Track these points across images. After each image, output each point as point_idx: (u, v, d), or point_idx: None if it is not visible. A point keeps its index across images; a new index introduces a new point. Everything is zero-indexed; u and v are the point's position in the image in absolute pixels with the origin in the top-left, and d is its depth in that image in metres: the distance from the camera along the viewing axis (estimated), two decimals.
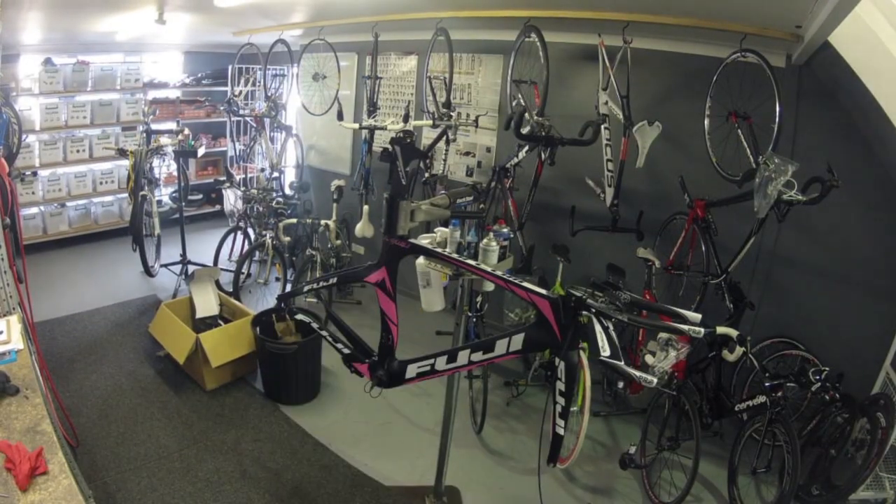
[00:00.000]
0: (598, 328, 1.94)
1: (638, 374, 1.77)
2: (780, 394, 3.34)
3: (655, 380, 1.76)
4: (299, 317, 3.40)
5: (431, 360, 2.43)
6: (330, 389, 4.81)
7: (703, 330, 1.85)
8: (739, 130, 3.83)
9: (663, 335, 3.35)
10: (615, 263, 4.45)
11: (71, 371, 4.71)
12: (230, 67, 7.86)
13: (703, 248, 4.04)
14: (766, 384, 3.38)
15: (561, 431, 2.07)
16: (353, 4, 5.36)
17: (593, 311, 1.97)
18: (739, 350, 3.20)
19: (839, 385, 3.55)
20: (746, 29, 3.68)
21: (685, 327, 1.90)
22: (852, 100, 3.73)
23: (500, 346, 2.18)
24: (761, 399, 3.40)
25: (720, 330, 3.22)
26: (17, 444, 1.92)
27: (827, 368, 3.46)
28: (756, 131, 3.72)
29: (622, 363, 1.84)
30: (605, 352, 1.86)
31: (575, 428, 3.77)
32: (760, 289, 4.29)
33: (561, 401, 2.04)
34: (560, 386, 2.03)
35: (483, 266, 2.46)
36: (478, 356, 2.27)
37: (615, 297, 1.97)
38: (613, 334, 1.93)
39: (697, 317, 1.94)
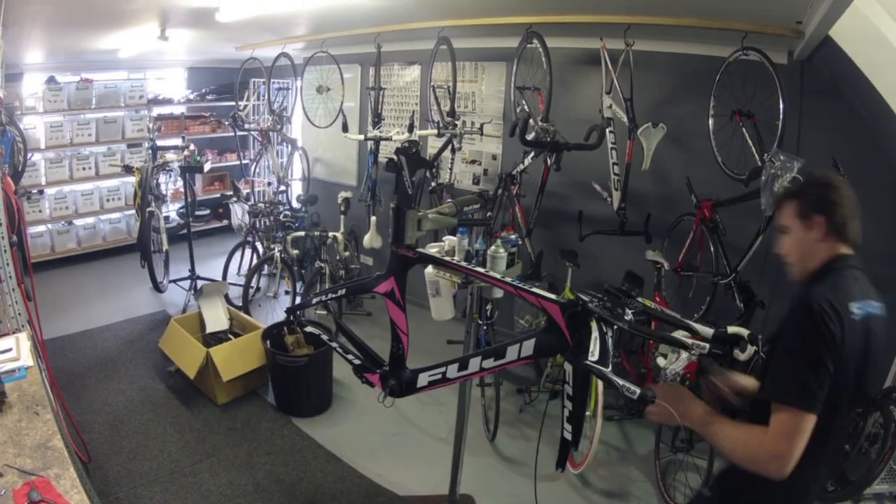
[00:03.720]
0: (594, 333, 1.93)
1: (621, 382, 1.76)
2: None
3: (638, 391, 1.75)
4: (308, 329, 3.40)
5: (443, 369, 2.42)
6: (342, 401, 4.80)
7: (707, 345, 1.86)
8: (744, 129, 3.82)
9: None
10: (634, 271, 4.43)
11: (82, 387, 4.72)
12: (234, 82, 7.90)
13: (712, 249, 4.03)
14: None
15: (568, 436, 2.06)
16: (355, 16, 5.37)
17: (595, 315, 1.97)
18: (751, 349, 3.16)
19: None
20: (747, 27, 3.67)
21: (689, 341, 1.90)
22: (855, 93, 3.72)
23: (512, 352, 2.18)
24: None
25: (731, 330, 3.20)
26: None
27: None
28: (760, 129, 3.71)
29: (608, 370, 1.83)
30: (593, 357, 1.86)
31: (588, 433, 3.75)
32: (770, 287, 4.26)
33: (569, 405, 2.03)
34: (568, 390, 2.03)
35: (492, 273, 2.45)
36: (489, 363, 2.26)
37: (626, 304, 1.96)
38: (609, 341, 1.93)
39: (709, 331, 1.95)
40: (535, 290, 2.20)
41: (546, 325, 2.15)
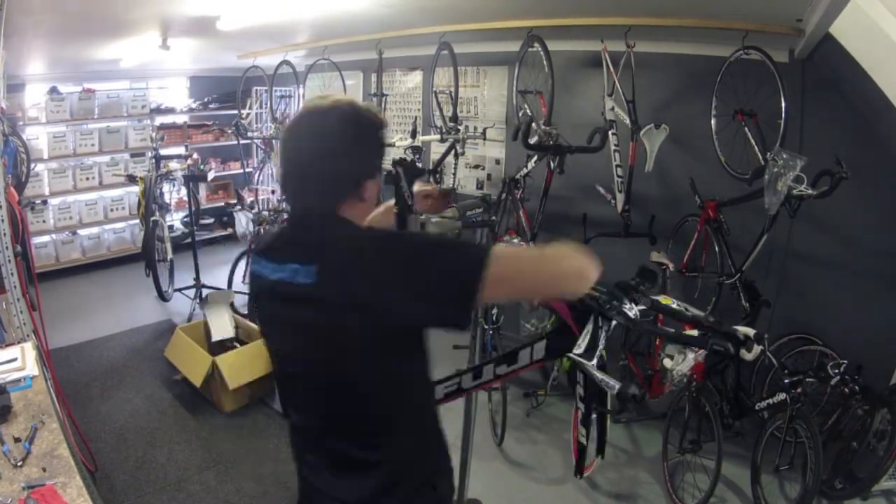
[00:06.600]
0: (588, 326, 1.87)
1: (600, 376, 1.72)
2: (799, 390, 3.31)
3: (617, 385, 1.71)
4: None
5: (457, 379, 2.33)
6: None
7: (730, 344, 1.82)
8: (746, 128, 3.82)
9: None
10: (647, 266, 4.41)
11: (88, 397, 4.72)
12: (237, 90, 7.92)
13: (717, 249, 4.02)
14: (785, 381, 3.36)
15: (583, 440, 2.03)
16: (356, 23, 5.38)
17: (595, 309, 1.93)
18: (757, 349, 3.15)
19: (858, 377, 3.50)
20: (748, 26, 3.67)
21: (706, 339, 1.87)
22: (857, 90, 3.72)
23: (524, 356, 2.11)
24: (781, 396, 3.37)
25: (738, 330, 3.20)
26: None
27: (845, 361, 3.42)
28: (763, 128, 3.71)
29: (591, 364, 1.77)
30: (579, 349, 1.80)
31: (594, 434, 3.74)
32: (775, 286, 4.25)
33: (581, 406, 2.01)
34: (580, 390, 2.00)
35: None
36: (503, 369, 2.19)
37: (634, 299, 1.91)
38: (602, 336, 1.86)
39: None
40: None
41: (555, 326, 2.11)
